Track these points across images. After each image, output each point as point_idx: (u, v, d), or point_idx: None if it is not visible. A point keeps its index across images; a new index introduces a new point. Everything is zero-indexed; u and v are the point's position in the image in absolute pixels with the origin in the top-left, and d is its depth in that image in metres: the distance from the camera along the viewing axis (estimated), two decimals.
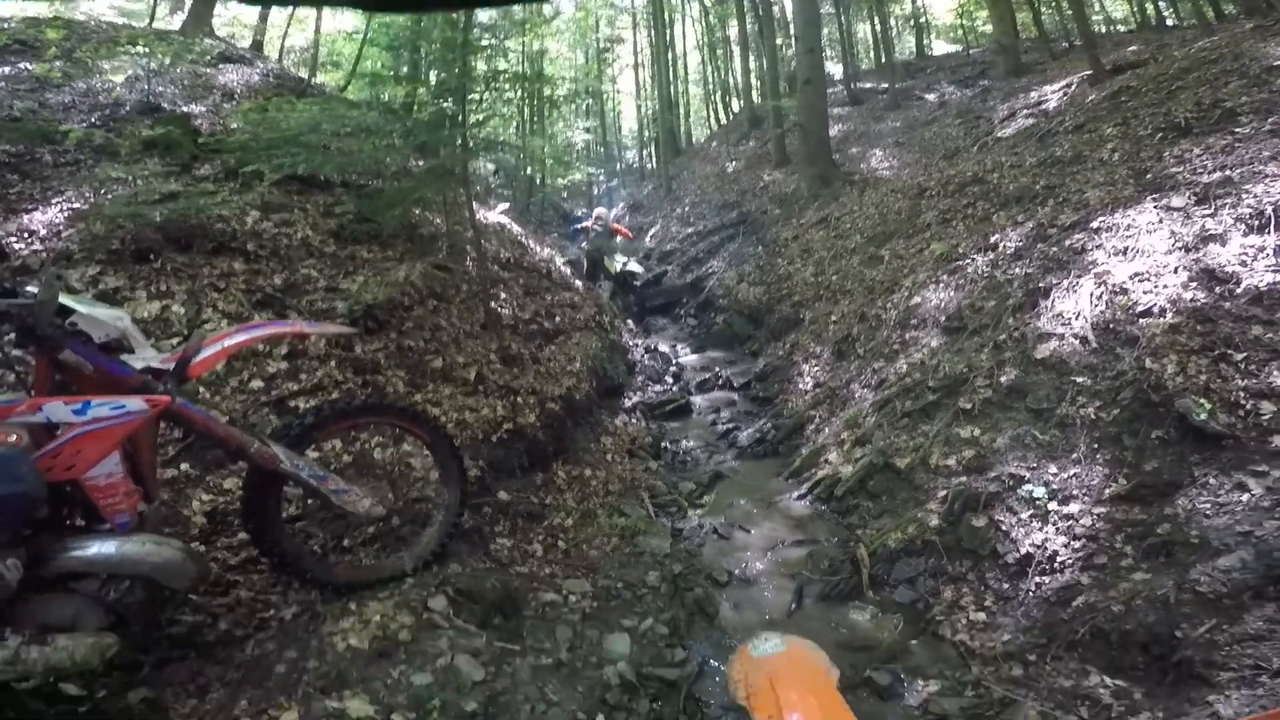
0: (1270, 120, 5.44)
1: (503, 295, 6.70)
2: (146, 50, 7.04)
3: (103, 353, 2.20)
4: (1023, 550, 3.83)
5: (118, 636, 2.04)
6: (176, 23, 11.11)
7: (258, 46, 11.58)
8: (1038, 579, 3.64)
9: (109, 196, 4.70)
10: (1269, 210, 4.45)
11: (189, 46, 8.21)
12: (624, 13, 28.20)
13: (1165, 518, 3.44)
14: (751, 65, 21.11)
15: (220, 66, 8.64)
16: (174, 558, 2.12)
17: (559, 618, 3.52)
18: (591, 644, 3.37)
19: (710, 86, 27.54)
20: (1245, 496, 3.25)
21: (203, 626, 2.60)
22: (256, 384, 3.79)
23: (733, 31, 23.51)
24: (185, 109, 6.76)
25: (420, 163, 6.80)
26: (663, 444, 6.72)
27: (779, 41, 18.22)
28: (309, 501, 2.95)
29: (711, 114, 27.69)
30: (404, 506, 3.60)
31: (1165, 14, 15.71)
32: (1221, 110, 5.97)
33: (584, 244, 11.49)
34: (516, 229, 9.38)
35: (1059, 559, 3.66)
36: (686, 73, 28.97)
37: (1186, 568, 3.14)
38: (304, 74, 10.14)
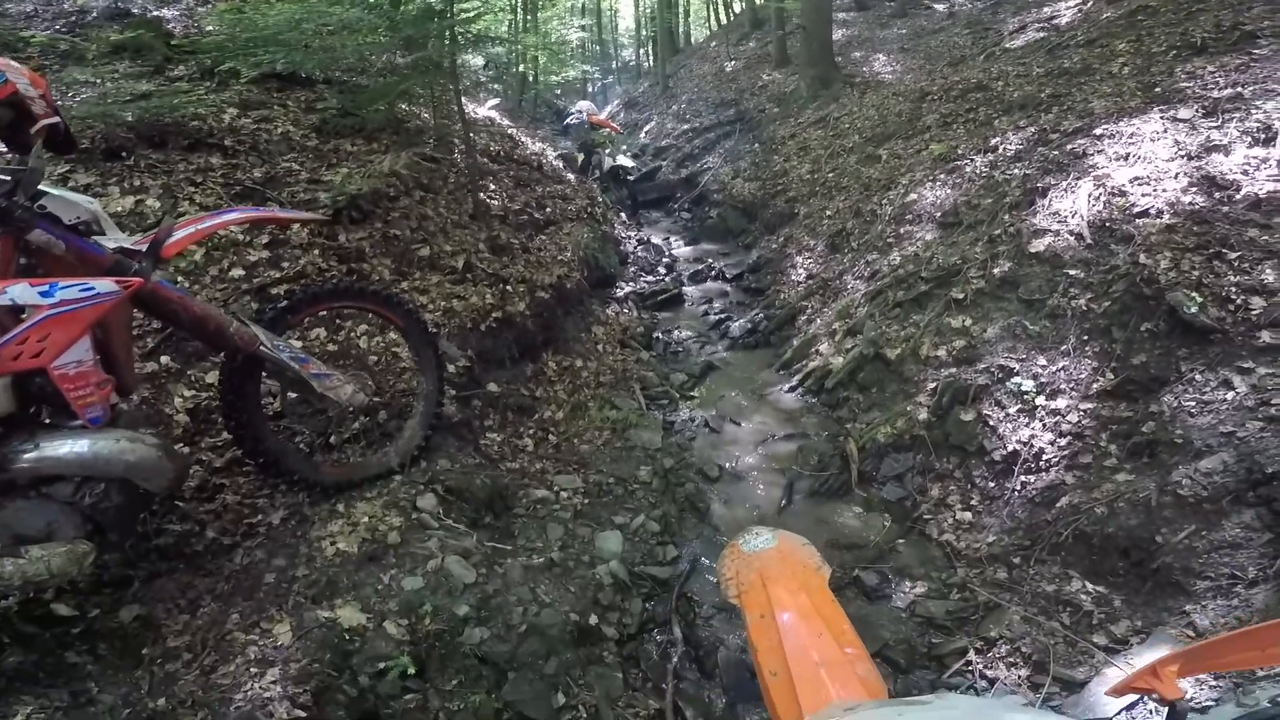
0: None
1: (492, 187, 6.49)
2: None
3: (73, 233, 2.08)
4: (1009, 447, 3.88)
5: (94, 545, 2.01)
6: None
7: None
8: (1023, 477, 3.70)
9: (77, 99, 4.48)
10: (1277, 124, 4.35)
11: None
12: None
13: (1150, 415, 3.45)
14: None
15: None
16: (149, 455, 2.06)
17: (550, 515, 3.57)
18: (583, 542, 3.42)
19: None
20: (1230, 395, 3.26)
21: (190, 536, 2.58)
22: (237, 272, 3.66)
23: None
24: (156, 13, 6.36)
25: (407, 57, 6.48)
26: (654, 334, 6.71)
27: None
28: (290, 395, 2.90)
29: (712, 14, 26.89)
30: (390, 399, 3.57)
31: None
32: (1241, 32, 5.76)
33: (574, 136, 11.18)
34: (507, 124, 9.05)
35: (1044, 457, 3.71)
36: None
37: (1169, 469, 3.17)
38: None
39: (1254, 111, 4.59)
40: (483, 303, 4.79)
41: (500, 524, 3.37)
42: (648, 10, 28.27)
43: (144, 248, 2.22)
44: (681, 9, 26.58)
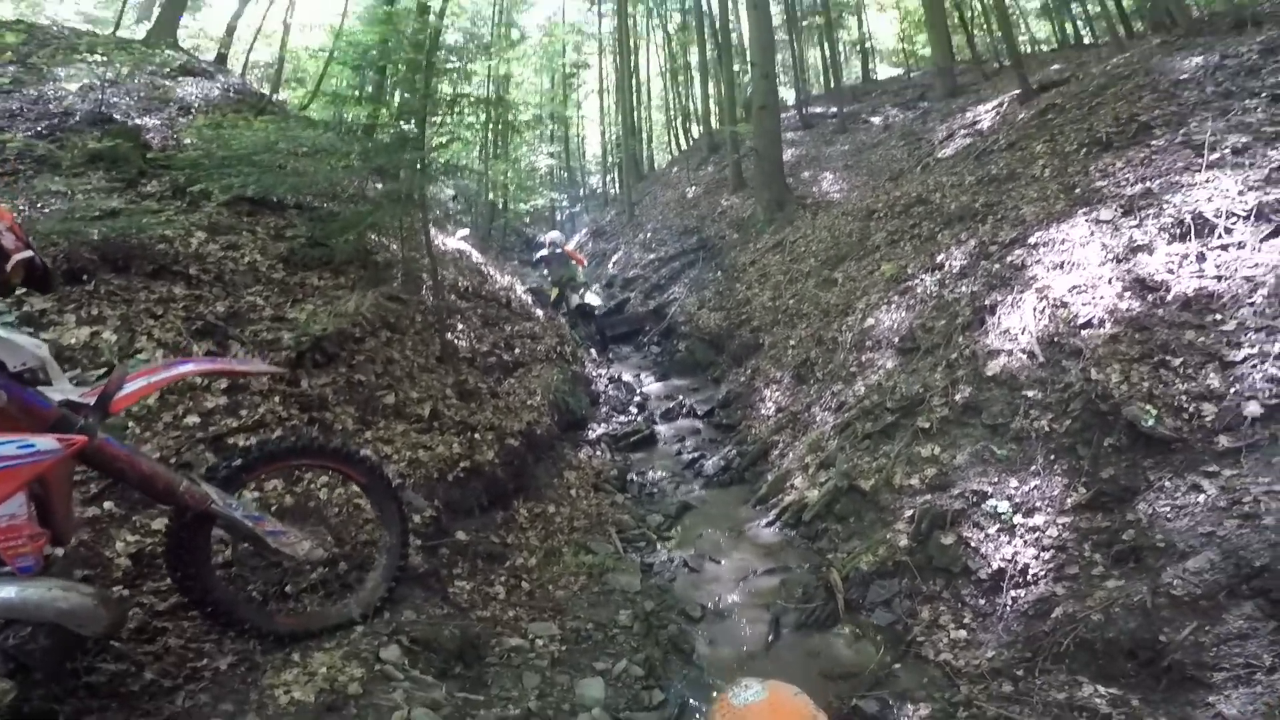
0: (1181, 132, 5.71)
1: (460, 326, 6.51)
2: (105, 59, 6.77)
3: (17, 382, 2.01)
4: (994, 565, 3.83)
5: (15, 683, 1.86)
6: (142, 32, 10.86)
7: (221, 60, 11.22)
8: (1013, 592, 3.62)
9: (45, 210, 4.43)
10: (1187, 219, 4.66)
11: (150, 57, 7.98)
12: (591, 39, 28.33)
13: (1128, 523, 3.47)
14: (711, 91, 21.53)
15: (180, 79, 8.33)
16: (82, 604, 1.94)
17: (526, 664, 3.37)
18: (563, 690, 3.21)
19: (672, 112, 27.94)
20: (1201, 498, 3.31)
21: (125, 675, 2.36)
22: (192, 419, 3.55)
23: (694, 58, 23.94)
24: (138, 121, 6.45)
25: (378, 185, 6.53)
26: (629, 476, 6.60)
27: (736, 68, 18.52)
28: (242, 545, 2.75)
29: (673, 139, 28.07)
30: (352, 550, 3.41)
31: (1083, 33, 16.70)
32: (1137, 124, 6.25)
33: (546, 272, 11.36)
34: (476, 256, 9.15)
35: (1031, 571, 3.65)
36: (649, 99, 29.35)
37: (1157, 572, 3.15)
38: (266, 89, 9.89)
39: (1165, 207, 4.91)
40: (450, 452, 4.70)
41: (472, 674, 3.12)
42: (613, 138, 29.19)
43: (91, 401, 2.16)
44: (645, 135, 27.77)
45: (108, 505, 2.98)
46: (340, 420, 4.28)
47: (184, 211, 5.04)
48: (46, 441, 1.92)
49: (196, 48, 12.08)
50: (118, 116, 6.32)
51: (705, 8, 20.42)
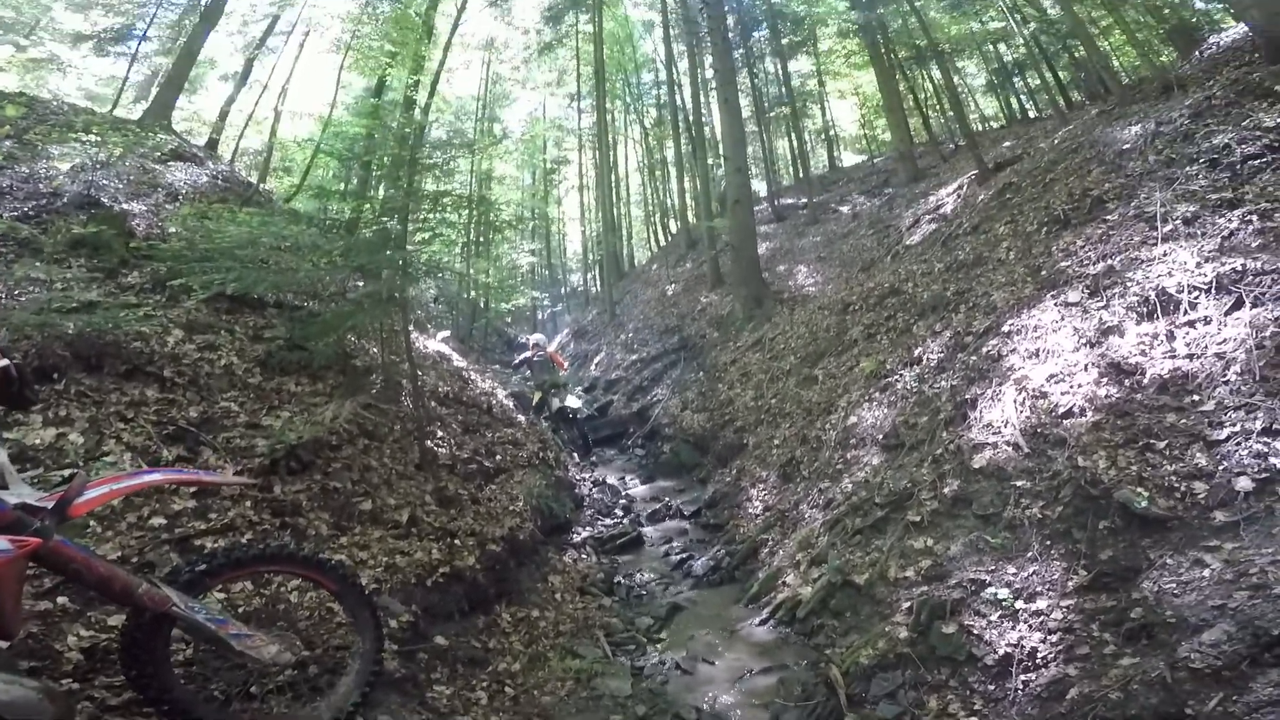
0: (1132, 205, 5.90)
1: (440, 434, 6.41)
2: (99, 139, 6.85)
3: None
4: (1000, 651, 3.68)
5: None
6: (139, 111, 11.03)
7: (212, 145, 11.47)
8: (1023, 676, 3.47)
9: (21, 299, 4.35)
10: (1152, 296, 4.78)
11: (143, 139, 8.09)
12: (570, 134, 29.08)
13: (1135, 602, 3.39)
14: (686, 185, 22.05)
15: (170, 164, 8.42)
16: (25, 697, 1.85)
17: None
18: None
19: (650, 208, 28.60)
20: (1206, 572, 3.25)
21: None
22: (158, 521, 3.42)
23: (669, 153, 24.58)
24: (125, 206, 6.43)
25: (359, 284, 6.50)
26: (616, 579, 6.38)
27: (710, 161, 18.99)
28: (202, 647, 2.60)
29: (651, 235, 28.61)
30: (323, 654, 3.23)
31: (1027, 106, 17.80)
32: (1091, 199, 6.48)
33: (528, 375, 11.36)
34: (457, 359, 9.06)
35: (1040, 654, 3.52)
36: (628, 194, 30.03)
37: (1172, 647, 3.06)
38: (255, 178, 10.01)
39: (1130, 285, 5.01)
40: (428, 558, 4.57)
41: None
42: (594, 234, 29.41)
43: (50, 504, 2.14)
44: (625, 231, 28.08)
45: (61, 600, 2.83)
46: (314, 526, 4.17)
47: (163, 307, 5.00)
48: None
49: (189, 130, 12.46)
50: (105, 200, 6.35)
51: (679, 102, 21.17)
